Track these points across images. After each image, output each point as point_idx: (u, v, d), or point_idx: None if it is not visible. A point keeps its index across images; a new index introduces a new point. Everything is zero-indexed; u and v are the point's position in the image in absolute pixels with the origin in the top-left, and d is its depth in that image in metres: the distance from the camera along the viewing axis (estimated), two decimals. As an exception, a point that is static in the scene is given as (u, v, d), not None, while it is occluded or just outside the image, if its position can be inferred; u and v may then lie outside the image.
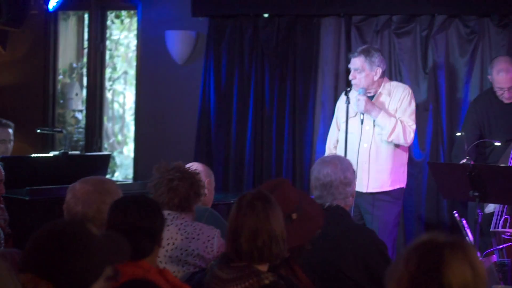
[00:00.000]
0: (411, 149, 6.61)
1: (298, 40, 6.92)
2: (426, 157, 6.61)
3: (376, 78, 5.93)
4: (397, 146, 5.95)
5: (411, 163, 6.57)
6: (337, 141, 6.10)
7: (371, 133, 5.90)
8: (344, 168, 4.23)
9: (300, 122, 6.85)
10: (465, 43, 6.64)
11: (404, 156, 6.07)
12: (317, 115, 6.84)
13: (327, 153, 6.11)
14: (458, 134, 5.91)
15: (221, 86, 7.08)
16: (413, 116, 5.96)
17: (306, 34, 6.91)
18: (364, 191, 5.86)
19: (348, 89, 5.86)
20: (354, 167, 5.66)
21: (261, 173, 6.92)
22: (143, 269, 3.17)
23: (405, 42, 6.74)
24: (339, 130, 6.09)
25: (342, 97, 6.01)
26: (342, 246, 4.01)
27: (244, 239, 3.23)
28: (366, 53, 5.91)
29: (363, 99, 5.82)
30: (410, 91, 6.04)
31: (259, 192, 3.34)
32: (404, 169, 6.09)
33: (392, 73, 6.72)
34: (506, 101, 5.94)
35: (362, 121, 5.85)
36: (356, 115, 5.92)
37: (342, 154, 5.53)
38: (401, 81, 6.65)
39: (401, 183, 6.05)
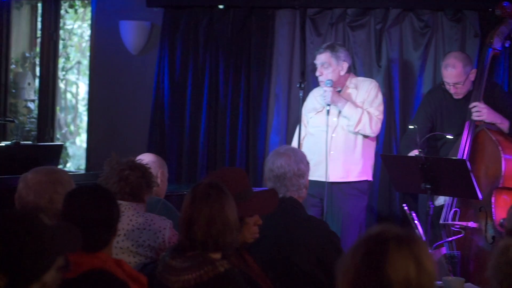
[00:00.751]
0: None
1: (253, 32, 6.92)
2: (379, 149, 6.64)
3: (342, 72, 5.99)
4: (365, 137, 6.00)
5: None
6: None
7: (338, 124, 5.94)
8: (297, 159, 4.24)
9: (254, 113, 6.85)
10: (419, 37, 6.68)
11: (372, 149, 6.15)
12: (271, 107, 6.85)
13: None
14: (411, 127, 5.95)
15: (175, 77, 7.06)
16: (381, 107, 6.06)
17: (261, 26, 6.90)
18: (331, 180, 5.90)
19: (302, 85, 5.89)
20: (323, 158, 5.74)
21: (215, 165, 6.91)
22: (101, 260, 3.15)
23: (359, 35, 6.76)
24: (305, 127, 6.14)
25: (311, 98, 6.10)
26: (294, 238, 4.03)
27: (199, 227, 3.23)
28: (332, 49, 5.99)
29: (329, 90, 5.88)
30: (377, 84, 6.15)
31: (213, 182, 3.35)
32: (372, 162, 6.16)
33: (347, 66, 6.75)
34: (455, 97, 5.98)
35: (328, 111, 5.88)
36: (323, 109, 5.95)
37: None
38: (355, 73, 6.67)
39: (368, 176, 6.12)
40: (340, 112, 5.96)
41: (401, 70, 6.70)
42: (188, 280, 3.18)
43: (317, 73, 6.02)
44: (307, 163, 4.32)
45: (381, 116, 6.04)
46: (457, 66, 5.87)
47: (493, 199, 5.50)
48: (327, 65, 5.97)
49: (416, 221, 5.02)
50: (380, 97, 6.08)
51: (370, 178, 6.14)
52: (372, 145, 6.13)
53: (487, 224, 5.50)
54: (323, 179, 5.87)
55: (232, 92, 6.89)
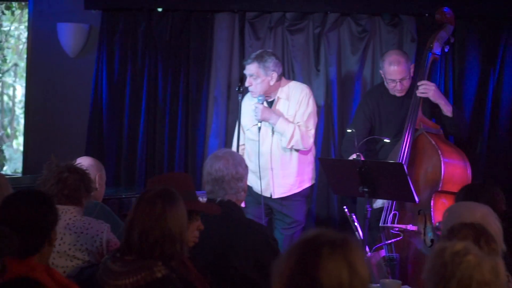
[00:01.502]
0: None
1: (192, 35, 6.90)
2: (317, 153, 6.68)
3: (272, 82, 5.97)
4: (297, 150, 6.03)
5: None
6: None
7: (271, 139, 5.95)
8: (236, 163, 4.25)
9: (193, 117, 6.83)
10: (357, 41, 6.74)
11: (310, 155, 6.17)
12: (210, 110, 6.84)
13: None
14: (349, 130, 5.99)
15: (113, 80, 7.00)
16: (311, 120, 6.05)
17: (200, 29, 6.89)
18: (273, 197, 5.94)
19: (241, 88, 5.89)
20: (257, 172, 5.75)
21: (153, 168, 6.88)
22: (28, 267, 3.10)
23: (298, 39, 6.79)
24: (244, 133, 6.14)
25: (248, 98, 6.09)
26: (233, 241, 4.04)
27: (137, 233, 3.21)
28: (260, 59, 5.94)
29: (260, 107, 5.86)
30: (308, 91, 6.11)
31: (164, 190, 3.32)
32: (312, 166, 6.20)
33: (285, 70, 6.76)
34: (398, 94, 6.03)
35: (259, 128, 5.89)
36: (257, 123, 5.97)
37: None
38: (293, 78, 6.72)
39: (310, 181, 6.18)
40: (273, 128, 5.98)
41: (339, 74, 6.74)
42: (125, 285, 3.16)
43: (247, 84, 5.99)
44: (246, 167, 4.33)
45: (312, 131, 6.05)
46: (401, 61, 5.94)
47: (432, 203, 5.56)
48: (256, 76, 5.93)
49: (356, 223, 5.06)
50: (311, 107, 6.06)
51: (312, 182, 6.19)
52: (309, 152, 6.16)
53: (426, 227, 5.55)
54: (265, 194, 5.94)
55: (171, 95, 6.86)
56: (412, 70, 6.00)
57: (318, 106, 6.71)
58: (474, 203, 3.66)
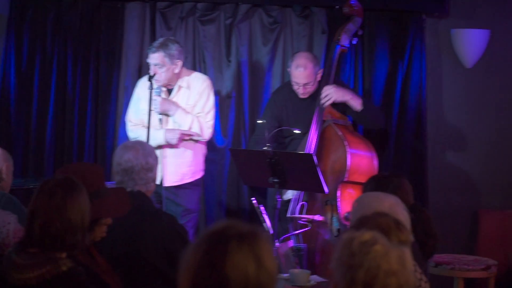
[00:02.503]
0: (213, 136, 6.68)
1: (102, 24, 6.80)
2: (228, 143, 6.69)
3: (177, 70, 5.95)
4: (195, 141, 6.02)
5: (213, 149, 6.64)
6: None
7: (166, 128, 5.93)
8: (146, 153, 4.22)
9: (103, 106, 6.75)
10: (268, 33, 6.76)
11: (204, 147, 6.17)
12: (120, 100, 6.77)
13: (130, 128, 6.09)
14: (259, 121, 6.02)
15: (22, 69, 6.86)
16: (211, 112, 6.06)
17: (110, 19, 6.80)
18: (165, 185, 5.89)
19: (153, 74, 5.84)
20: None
21: (62, 158, 6.77)
22: None
23: (209, 30, 6.78)
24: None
25: (144, 84, 6.01)
26: (142, 232, 4.01)
27: (38, 225, 3.15)
28: (165, 47, 5.89)
29: (158, 99, 5.83)
30: (209, 83, 6.12)
31: (65, 179, 3.26)
32: (203, 158, 6.19)
33: (196, 61, 6.75)
34: (301, 96, 6.08)
35: (160, 120, 5.86)
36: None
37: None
38: (205, 68, 6.71)
39: (201, 172, 6.17)
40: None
41: (250, 65, 6.76)
42: (30, 279, 3.10)
43: (151, 73, 5.92)
44: (156, 157, 4.30)
45: (211, 122, 6.06)
46: (308, 66, 5.96)
47: (338, 193, 5.64)
48: (161, 65, 5.89)
49: (264, 215, 5.08)
50: (211, 99, 6.08)
51: (202, 174, 6.20)
52: (204, 144, 6.17)
53: (333, 217, 5.62)
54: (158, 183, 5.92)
55: (80, 85, 6.76)
56: (319, 75, 6.02)
57: (228, 97, 6.74)
58: (383, 194, 3.71)
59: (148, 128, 5.70)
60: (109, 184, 3.88)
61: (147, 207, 4.17)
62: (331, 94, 5.82)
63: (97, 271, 3.45)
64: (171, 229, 4.09)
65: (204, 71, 6.71)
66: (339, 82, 6.14)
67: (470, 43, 6.68)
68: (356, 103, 5.90)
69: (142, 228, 4.02)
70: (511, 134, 6.87)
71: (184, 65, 6.06)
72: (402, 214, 3.49)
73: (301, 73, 5.95)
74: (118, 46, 6.77)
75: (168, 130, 5.90)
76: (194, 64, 6.73)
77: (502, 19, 6.80)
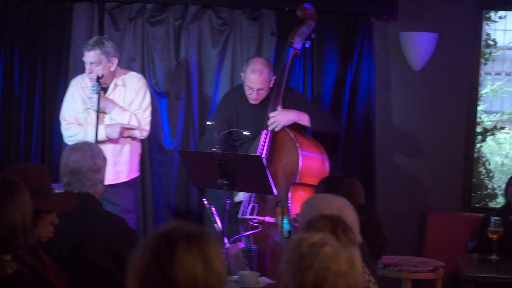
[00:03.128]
0: (162, 137, 6.66)
1: (49, 24, 6.72)
2: (177, 145, 6.67)
3: (112, 68, 5.93)
4: (133, 138, 5.99)
5: (162, 151, 6.63)
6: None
7: (104, 126, 5.89)
8: (93, 154, 4.18)
9: (50, 107, 6.67)
10: (217, 34, 6.75)
11: (139, 146, 6.17)
12: (68, 101, 6.71)
13: (65, 126, 6.04)
14: (209, 123, 6.01)
15: (-33, 69, 6.77)
16: (148, 109, 6.06)
17: (58, 19, 6.72)
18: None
19: (100, 79, 5.80)
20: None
21: (9, 160, 6.67)
22: None
23: (158, 31, 6.75)
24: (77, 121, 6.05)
25: (79, 83, 6.00)
26: (91, 233, 3.98)
27: None
28: (101, 45, 5.87)
29: (95, 97, 5.80)
30: (145, 81, 6.13)
31: (3, 179, 3.19)
32: (139, 158, 6.19)
33: (144, 62, 6.71)
34: (252, 102, 6.07)
35: (98, 117, 5.82)
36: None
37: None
38: (153, 69, 6.69)
39: (137, 171, 6.16)
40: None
41: (199, 66, 6.74)
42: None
43: (87, 71, 5.91)
44: (104, 158, 4.26)
45: (149, 119, 6.05)
46: (263, 72, 5.96)
47: (289, 195, 5.66)
48: (98, 63, 5.86)
49: (215, 216, 5.08)
50: (148, 97, 6.08)
51: (138, 173, 6.18)
52: (139, 143, 6.15)
53: (284, 219, 5.63)
54: None
55: (27, 85, 6.67)
56: (272, 82, 6.03)
57: (177, 99, 6.72)
58: (331, 195, 3.72)
59: (97, 127, 5.67)
60: (56, 186, 3.84)
61: (96, 209, 4.14)
62: (278, 121, 5.85)
63: (44, 272, 3.41)
64: (121, 232, 4.05)
65: (152, 72, 6.69)
66: (289, 89, 6.16)
67: (418, 46, 6.74)
68: (304, 121, 5.94)
69: (90, 229, 3.98)
70: (458, 137, 6.93)
71: (119, 64, 6.04)
72: (351, 215, 3.50)
73: (256, 78, 5.95)
74: (66, 46, 6.71)
75: (108, 125, 5.88)
76: (143, 65, 6.70)
77: (449, 23, 6.87)
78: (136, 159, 6.14)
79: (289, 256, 2.43)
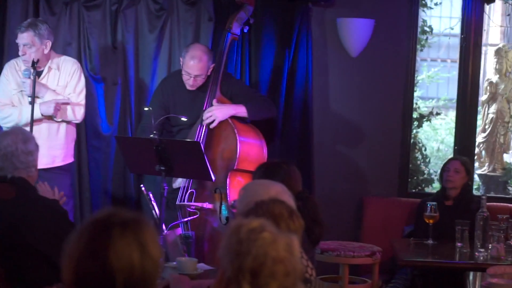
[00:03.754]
0: (98, 123, 6.60)
1: (-18, 9, 6.62)
2: (114, 131, 6.61)
3: (46, 51, 5.88)
4: (67, 122, 5.94)
5: (98, 137, 6.57)
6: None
7: (38, 110, 5.82)
8: (25, 138, 4.19)
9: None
10: (154, 19, 6.69)
11: (74, 131, 6.12)
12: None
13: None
14: (146, 108, 5.97)
15: None
16: (83, 93, 6.02)
17: (-8, 2, 6.63)
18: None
19: (36, 65, 5.72)
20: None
21: None
22: None
23: (94, 16, 6.66)
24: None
25: (12, 66, 5.96)
26: (26, 217, 3.96)
27: None
28: (34, 27, 5.82)
29: (28, 82, 5.74)
30: (79, 65, 6.09)
31: None
32: (74, 143, 6.14)
33: (81, 47, 6.64)
34: (189, 88, 6.04)
35: (30, 102, 5.75)
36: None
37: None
38: (90, 55, 6.62)
39: (72, 157, 6.11)
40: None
41: (136, 52, 6.69)
42: None
43: (20, 53, 5.87)
44: (36, 144, 4.25)
45: (83, 102, 6.01)
46: (203, 59, 5.93)
47: (228, 181, 5.66)
48: (31, 45, 5.81)
49: (153, 202, 5.05)
50: (82, 80, 6.04)
51: (73, 159, 6.15)
52: (74, 128, 6.11)
53: (222, 205, 5.63)
54: None
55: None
56: (210, 70, 6.00)
57: (114, 84, 6.66)
58: (268, 181, 3.72)
59: (32, 111, 5.60)
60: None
61: (30, 193, 4.11)
62: (214, 116, 5.81)
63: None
64: (58, 214, 4.07)
65: (89, 57, 6.62)
66: (227, 75, 6.15)
67: (355, 32, 6.76)
68: (241, 113, 5.91)
69: (26, 215, 3.97)
70: (394, 123, 6.99)
71: (54, 49, 5.98)
72: (289, 201, 3.50)
73: (195, 65, 5.92)
74: (0, 31, 6.59)
75: (42, 102, 5.82)
76: (79, 50, 6.62)
77: (385, 9, 6.90)
78: (71, 144, 6.08)
79: (227, 242, 2.42)
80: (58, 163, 5.95)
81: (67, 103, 5.89)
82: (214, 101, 5.88)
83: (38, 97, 5.84)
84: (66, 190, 5.96)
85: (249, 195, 3.53)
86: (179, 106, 6.07)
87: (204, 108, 5.86)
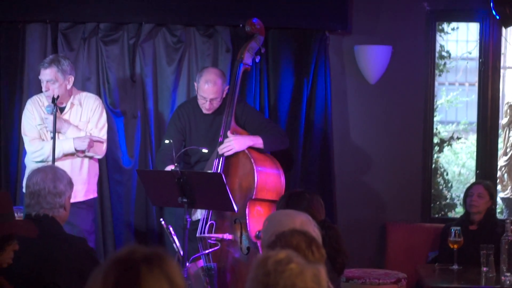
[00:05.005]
0: (119, 157, 6.62)
1: (2, 46, 6.65)
2: (135, 164, 6.63)
3: (69, 86, 5.92)
4: (90, 157, 5.96)
5: (120, 170, 6.58)
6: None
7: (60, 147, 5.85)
8: (55, 177, 4.12)
9: (6, 130, 6.59)
10: (172, 52, 6.72)
11: (97, 166, 6.14)
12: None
13: (29, 142, 5.98)
14: (166, 141, 5.97)
15: None
16: (105, 128, 6.05)
17: (10, 40, 6.66)
18: None
19: (56, 100, 5.74)
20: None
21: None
22: None
23: (112, 50, 6.70)
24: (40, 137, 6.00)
25: (35, 101, 5.98)
26: (51, 256, 3.93)
27: None
28: (57, 63, 5.85)
29: (50, 118, 5.77)
30: (101, 102, 6.13)
31: None
32: (97, 179, 6.16)
33: (100, 81, 6.67)
34: (205, 112, 6.06)
35: (52, 138, 5.77)
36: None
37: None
38: (109, 89, 6.65)
39: (94, 192, 6.13)
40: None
41: (155, 85, 6.71)
42: None
43: (44, 89, 5.89)
44: (69, 183, 4.20)
45: (105, 137, 6.05)
46: (217, 82, 5.95)
47: (247, 211, 5.64)
48: (54, 80, 5.84)
49: (173, 235, 5.04)
50: (104, 116, 6.08)
51: (95, 195, 6.16)
52: (96, 163, 6.14)
53: (242, 235, 5.62)
54: None
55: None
56: (225, 92, 6.02)
57: (134, 117, 6.69)
58: (293, 211, 3.71)
59: (53, 147, 5.62)
60: (16, 209, 3.80)
61: (56, 231, 4.08)
62: (232, 146, 5.81)
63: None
64: (84, 253, 4.04)
65: (108, 91, 6.65)
66: (242, 101, 6.16)
67: (373, 59, 6.77)
68: (258, 145, 5.90)
69: (52, 252, 3.94)
70: (414, 148, 6.97)
71: (74, 84, 6.01)
72: (314, 231, 3.49)
73: (210, 88, 5.94)
74: (19, 68, 6.64)
75: (76, 138, 5.85)
76: (98, 85, 6.65)
77: (403, 35, 6.91)
78: (94, 180, 6.10)
79: (254, 274, 2.41)
80: (80, 198, 5.94)
81: (101, 142, 5.94)
82: (229, 133, 5.87)
83: (60, 133, 5.87)
84: (88, 226, 6.00)
85: (273, 225, 3.52)
86: (195, 130, 6.09)
87: (220, 140, 5.86)
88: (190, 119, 6.13)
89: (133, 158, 6.64)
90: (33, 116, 6.01)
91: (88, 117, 5.99)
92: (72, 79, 5.91)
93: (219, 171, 5.68)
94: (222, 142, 5.82)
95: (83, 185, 5.97)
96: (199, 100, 6.02)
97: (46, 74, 5.84)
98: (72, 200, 5.74)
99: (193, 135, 6.07)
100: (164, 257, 2.20)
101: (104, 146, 6.02)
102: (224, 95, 6.03)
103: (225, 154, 5.80)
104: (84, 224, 5.98)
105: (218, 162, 5.79)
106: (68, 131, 5.86)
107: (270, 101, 6.75)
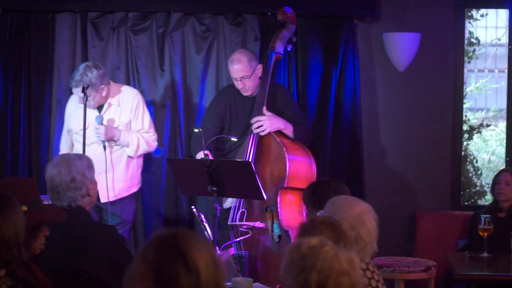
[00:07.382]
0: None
1: (32, 36, 6.70)
2: (164, 153, 6.65)
3: (104, 94, 5.98)
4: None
5: (149, 160, 6.60)
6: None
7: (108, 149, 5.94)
8: (72, 171, 4.06)
9: (36, 119, 6.64)
10: (201, 41, 6.74)
11: (140, 159, 6.23)
12: (53, 112, 6.67)
13: None
14: (196, 130, 5.99)
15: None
16: (151, 126, 6.17)
17: (40, 30, 6.70)
18: (102, 201, 5.84)
19: (86, 90, 5.76)
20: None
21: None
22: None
23: (141, 39, 6.73)
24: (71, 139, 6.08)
25: (73, 101, 6.02)
26: (84, 245, 3.93)
27: None
28: (85, 78, 5.82)
29: (102, 129, 5.81)
30: (140, 97, 6.17)
31: None
32: (141, 170, 6.25)
33: (129, 71, 6.70)
34: (244, 93, 6.06)
35: (104, 147, 5.82)
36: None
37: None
38: (138, 78, 6.68)
39: (138, 185, 6.21)
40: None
41: (184, 73, 6.73)
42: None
43: (79, 102, 5.93)
44: (87, 174, 4.12)
45: (155, 135, 6.19)
46: (242, 60, 5.95)
47: (278, 199, 5.65)
48: (96, 90, 5.86)
49: (205, 223, 5.06)
50: (147, 113, 6.18)
51: (139, 186, 6.26)
52: (140, 157, 6.23)
53: (273, 223, 5.63)
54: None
55: (12, 98, 6.63)
56: (259, 70, 6.01)
57: (163, 106, 6.71)
58: (357, 199, 3.71)
59: (84, 143, 5.65)
60: (43, 198, 3.81)
61: (86, 221, 4.08)
62: (265, 125, 5.81)
63: (38, 287, 3.37)
64: (114, 241, 4.02)
65: (137, 81, 6.67)
66: (279, 87, 6.16)
67: (401, 46, 6.74)
68: (288, 131, 5.90)
69: (84, 242, 3.94)
70: (443, 136, 6.95)
71: (111, 79, 6.06)
72: (369, 221, 3.51)
73: (236, 68, 5.96)
74: (49, 58, 6.68)
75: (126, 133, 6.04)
76: (128, 74, 6.68)
77: (431, 22, 6.88)
78: (137, 173, 6.22)
79: (289, 259, 2.43)
80: (123, 194, 6.09)
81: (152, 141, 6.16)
82: (264, 109, 5.87)
83: (114, 141, 5.94)
84: (130, 216, 6.06)
85: (334, 208, 3.56)
86: (235, 115, 6.10)
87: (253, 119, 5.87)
88: (230, 103, 6.13)
89: (163, 147, 6.66)
90: (70, 117, 6.13)
91: (128, 118, 6.05)
92: (105, 87, 5.93)
93: (249, 159, 5.69)
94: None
95: (124, 181, 6.07)
96: (234, 82, 6.04)
97: (78, 92, 5.87)
98: (115, 198, 5.84)
99: (232, 119, 6.09)
100: (196, 237, 2.23)
101: (155, 143, 6.20)
102: (259, 74, 6.01)
103: (256, 131, 5.78)
104: (127, 215, 6.06)
105: (250, 149, 5.79)
106: (121, 137, 5.96)
107: (299, 89, 6.75)
